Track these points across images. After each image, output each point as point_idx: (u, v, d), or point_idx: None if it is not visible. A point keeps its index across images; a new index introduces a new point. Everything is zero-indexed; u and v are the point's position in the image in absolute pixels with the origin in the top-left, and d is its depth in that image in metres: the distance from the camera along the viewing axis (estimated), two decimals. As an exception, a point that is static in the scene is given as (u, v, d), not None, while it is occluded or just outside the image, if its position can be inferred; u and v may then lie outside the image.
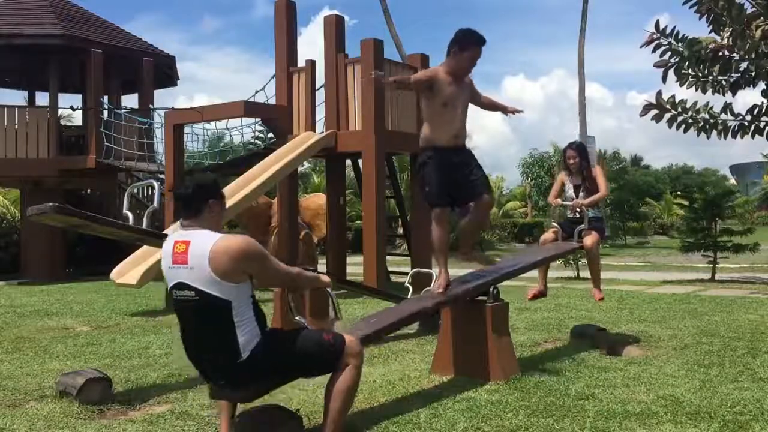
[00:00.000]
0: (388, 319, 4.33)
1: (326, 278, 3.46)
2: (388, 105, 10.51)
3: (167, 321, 7.52)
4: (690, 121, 7.96)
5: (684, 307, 8.09)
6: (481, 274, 5.06)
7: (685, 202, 16.77)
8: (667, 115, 7.82)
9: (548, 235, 6.23)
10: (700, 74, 7.64)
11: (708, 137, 8.09)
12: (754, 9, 7.37)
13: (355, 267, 11.89)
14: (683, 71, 7.57)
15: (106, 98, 14.50)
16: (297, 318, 3.41)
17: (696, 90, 7.69)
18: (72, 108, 14.82)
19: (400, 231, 15.56)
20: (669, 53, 7.47)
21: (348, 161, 12.80)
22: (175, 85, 17.03)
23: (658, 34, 7.40)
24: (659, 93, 7.68)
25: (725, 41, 7.52)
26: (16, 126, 13.67)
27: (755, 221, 36.40)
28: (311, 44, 70.04)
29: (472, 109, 4.91)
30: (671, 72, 7.55)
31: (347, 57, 10.71)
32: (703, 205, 12.46)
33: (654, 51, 7.49)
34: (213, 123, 13.78)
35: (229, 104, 11.00)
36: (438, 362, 4.83)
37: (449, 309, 4.80)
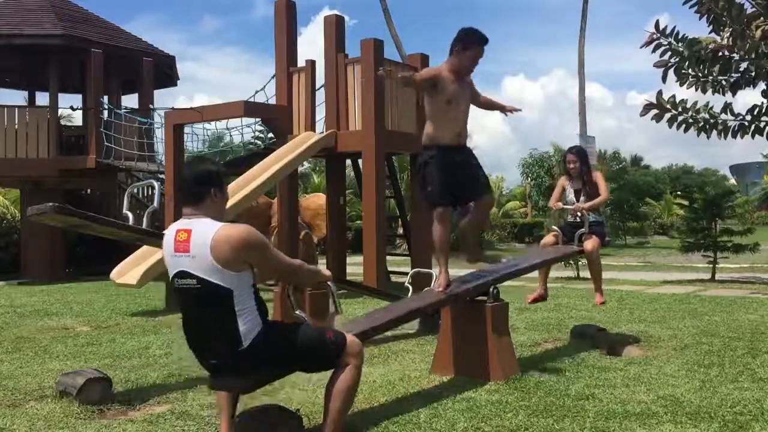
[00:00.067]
0: (387, 316, 4.34)
1: (327, 272, 3.48)
2: (388, 105, 10.51)
3: (167, 321, 7.53)
4: (690, 121, 7.97)
5: (684, 307, 8.09)
6: (481, 274, 5.06)
7: (685, 202, 16.78)
8: (668, 115, 7.83)
9: (549, 238, 6.25)
10: (700, 74, 7.64)
11: (708, 137, 8.10)
12: (754, 9, 7.37)
13: (355, 267, 11.89)
14: (683, 71, 7.58)
15: (106, 98, 14.50)
16: (297, 312, 3.41)
17: (696, 90, 7.70)
18: (72, 108, 14.83)
19: (400, 231, 15.56)
20: (669, 53, 7.48)
21: (348, 161, 12.80)
22: (175, 85, 17.05)
23: (658, 34, 7.40)
24: (659, 93, 7.69)
25: (725, 41, 7.52)
26: (16, 126, 13.67)
27: (755, 221, 36.39)
28: (311, 44, 70.09)
29: (473, 109, 4.92)
30: (671, 72, 7.56)
31: (347, 57, 10.70)
32: (703, 205, 12.46)
33: (654, 51, 7.50)
34: (213, 123, 13.79)
35: (229, 104, 11.00)
36: (438, 362, 4.83)
37: (449, 309, 4.80)
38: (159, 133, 14.04)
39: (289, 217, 11.19)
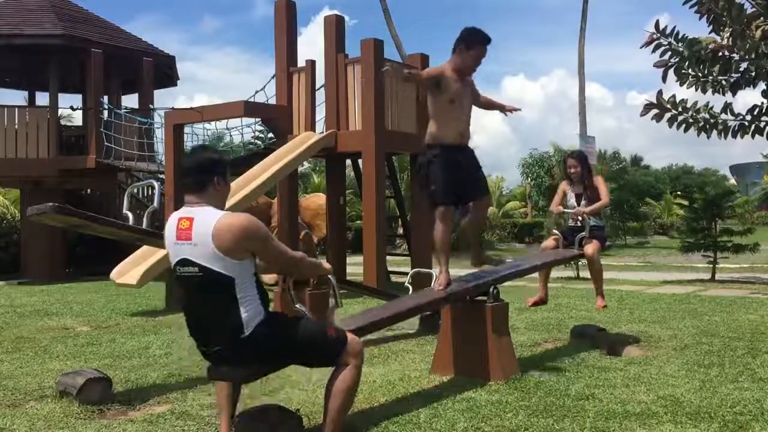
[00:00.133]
0: (386, 312, 4.37)
1: (328, 265, 3.49)
2: (388, 105, 10.51)
3: (168, 321, 7.53)
4: (690, 120, 7.97)
5: (684, 307, 8.09)
6: (481, 275, 5.07)
7: (685, 202, 16.78)
8: (668, 115, 7.83)
9: (549, 242, 6.28)
10: (700, 74, 7.64)
11: (708, 137, 8.10)
12: (754, 9, 7.37)
13: (355, 267, 11.88)
14: (683, 71, 7.58)
15: (106, 98, 14.49)
16: (297, 306, 3.41)
17: (696, 90, 7.70)
18: (72, 108, 14.82)
19: (400, 231, 15.55)
20: (669, 53, 7.48)
21: (348, 161, 12.80)
22: (175, 85, 17.04)
23: (658, 34, 7.40)
24: (660, 93, 7.69)
25: (725, 41, 7.52)
26: (16, 126, 13.66)
27: (755, 221, 36.40)
28: (311, 44, 70.17)
29: (473, 110, 4.93)
30: (671, 72, 7.56)
31: (347, 57, 10.70)
32: (703, 205, 12.46)
33: (654, 51, 7.50)
34: (213, 123, 13.80)
35: (229, 104, 11.00)
36: (438, 362, 4.83)
37: (449, 309, 4.81)
38: (159, 133, 14.05)
39: (289, 217, 11.19)
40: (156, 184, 6.35)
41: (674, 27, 7.40)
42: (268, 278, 6.25)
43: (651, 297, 9.21)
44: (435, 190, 4.64)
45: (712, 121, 8.05)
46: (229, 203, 4.77)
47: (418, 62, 10.99)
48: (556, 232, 6.32)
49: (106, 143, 13.32)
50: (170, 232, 3.07)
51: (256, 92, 12.15)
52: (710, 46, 7.52)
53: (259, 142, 16.46)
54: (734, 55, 7.61)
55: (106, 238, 4.95)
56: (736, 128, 8.10)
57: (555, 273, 11.84)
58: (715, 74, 7.67)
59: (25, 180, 13.86)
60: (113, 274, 7.89)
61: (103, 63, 13.72)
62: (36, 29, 13.73)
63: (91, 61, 13.60)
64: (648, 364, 4.99)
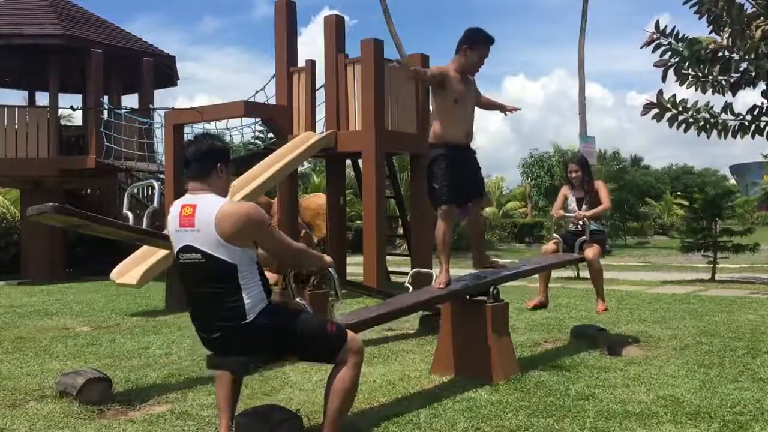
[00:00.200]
0: (388, 308, 4.40)
1: (329, 258, 3.49)
2: (388, 105, 10.51)
3: (167, 321, 7.53)
4: (690, 120, 7.97)
5: (684, 307, 8.09)
6: (481, 275, 5.07)
7: (685, 202, 16.76)
8: (668, 115, 7.83)
9: (549, 246, 6.31)
10: (700, 74, 7.65)
11: (708, 137, 8.11)
12: (754, 9, 7.38)
13: (355, 267, 11.89)
14: (683, 71, 7.58)
15: (106, 98, 14.50)
16: (297, 300, 3.41)
17: (696, 90, 7.71)
18: (72, 108, 14.80)
19: (400, 231, 15.56)
20: (669, 53, 7.48)
21: (348, 161, 12.80)
22: (175, 85, 17.03)
23: (658, 34, 7.40)
24: (660, 92, 7.69)
25: (725, 41, 7.53)
26: (16, 126, 13.67)
27: (755, 221, 36.40)
28: (311, 44, 70.25)
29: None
30: (671, 72, 7.56)
31: (347, 57, 10.70)
32: (703, 205, 12.46)
33: (654, 51, 7.50)
34: (213, 123, 13.77)
35: (229, 104, 11.00)
36: (438, 362, 4.83)
37: (449, 309, 4.81)
38: (159, 133, 14.06)
39: (289, 217, 11.18)
40: (156, 184, 6.36)
41: (674, 27, 7.41)
42: (269, 278, 6.24)
43: (651, 297, 9.21)
44: (439, 189, 4.66)
45: (712, 121, 8.05)
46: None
47: (418, 62, 10.98)
48: (556, 236, 6.35)
49: (106, 143, 13.32)
50: (173, 219, 3.09)
51: (256, 92, 12.17)
52: (710, 46, 7.53)
53: (259, 142, 16.48)
54: (734, 55, 7.62)
55: (106, 238, 4.95)
56: (736, 128, 8.10)
57: (555, 273, 11.84)
58: (715, 74, 7.67)
59: (25, 180, 13.87)
60: (113, 274, 7.88)
61: (103, 63, 13.72)
62: (36, 29, 13.74)
63: (91, 61, 13.60)
64: (648, 364, 4.99)
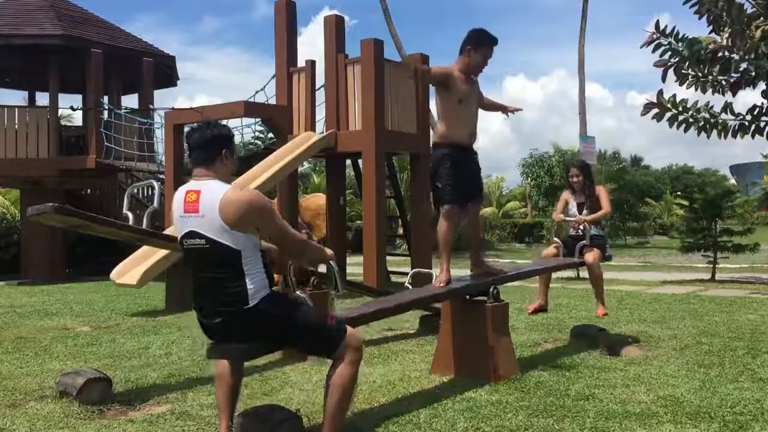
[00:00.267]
0: (389, 303, 4.43)
1: (330, 251, 3.49)
2: (388, 105, 10.51)
3: (167, 321, 7.53)
4: (690, 120, 7.96)
5: (684, 307, 8.09)
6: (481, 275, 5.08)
7: (685, 202, 16.75)
8: (668, 115, 7.82)
9: (550, 250, 6.33)
10: (700, 74, 7.64)
11: (708, 137, 8.10)
12: (754, 9, 7.37)
13: (355, 267, 11.89)
14: (683, 71, 7.57)
15: (106, 98, 14.49)
16: (298, 293, 3.41)
17: (696, 90, 7.70)
18: (72, 108, 14.81)
19: (400, 231, 15.55)
20: (669, 53, 7.47)
21: (348, 161, 12.80)
22: (175, 85, 17.02)
23: (658, 34, 7.39)
24: (660, 92, 7.68)
25: (725, 41, 7.52)
26: (16, 126, 13.66)
27: (755, 221, 36.39)
28: (311, 44, 70.29)
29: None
30: (671, 72, 7.55)
31: (347, 57, 10.70)
32: (703, 205, 12.45)
33: (654, 51, 7.49)
34: (213, 123, 13.76)
35: (229, 104, 11.00)
36: (438, 362, 4.83)
37: (449, 309, 4.81)
38: (159, 133, 14.05)
39: (289, 217, 11.17)
40: (156, 184, 6.37)
41: (674, 27, 7.39)
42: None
43: (651, 297, 9.21)
44: (443, 188, 4.69)
45: (712, 121, 8.04)
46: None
47: (419, 62, 10.98)
48: (557, 240, 6.38)
49: (106, 143, 13.31)
50: (177, 206, 3.11)
51: (256, 92, 12.18)
52: (710, 46, 7.51)
53: (259, 142, 16.47)
54: (734, 55, 7.61)
55: (106, 238, 4.94)
56: (736, 128, 8.09)
57: (556, 273, 11.85)
58: (715, 74, 7.66)
59: (25, 180, 13.86)
60: (113, 274, 7.88)
61: (103, 63, 13.71)
62: (36, 29, 13.73)
63: (91, 61, 13.59)
64: (648, 364, 4.99)
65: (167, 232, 7.21)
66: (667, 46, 7.45)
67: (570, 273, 12.82)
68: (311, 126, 10.95)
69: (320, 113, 10.97)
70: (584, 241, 6.05)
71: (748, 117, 8.04)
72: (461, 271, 5.62)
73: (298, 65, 11.22)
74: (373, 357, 5.30)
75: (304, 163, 18.64)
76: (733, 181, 60.52)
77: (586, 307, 7.94)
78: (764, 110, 8.01)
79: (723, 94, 7.82)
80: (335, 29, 10.75)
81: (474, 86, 4.81)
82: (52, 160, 13.61)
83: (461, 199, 4.75)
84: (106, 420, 3.83)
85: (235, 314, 3.03)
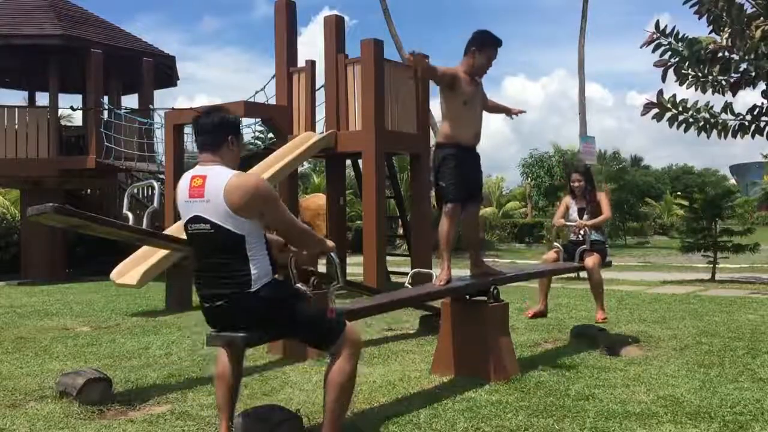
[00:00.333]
0: (389, 298, 4.47)
1: (331, 243, 3.50)
2: (388, 105, 10.51)
3: (167, 321, 7.53)
4: (690, 120, 7.96)
5: (684, 307, 8.09)
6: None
7: (685, 202, 16.77)
8: (668, 115, 7.82)
9: (550, 254, 6.35)
10: (700, 74, 7.64)
11: (708, 137, 8.11)
12: (754, 9, 7.37)
13: (355, 267, 11.89)
14: (683, 71, 7.58)
15: (106, 98, 14.49)
16: (299, 285, 3.41)
17: (696, 90, 7.70)
18: (72, 108, 14.82)
19: (400, 231, 15.55)
20: (669, 53, 7.47)
21: (348, 161, 12.80)
22: (175, 85, 17.02)
23: (658, 34, 7.39)
24: (660, 92, 7.68)
25: (725, 41, 7.52)
26: (16, 126, 13.65)
27: (755, 221, 36.39)
28: (311, 44, 70.28)
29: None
30: (671, 72, 7.55)
31: (347, 57, 10.70)
32: (703, 205, 12.46)
33: (654, 51, 7.49)
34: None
35: (229, 104, 10.97)
36: (438, 362, 4.83)
37: (449, 309, 4.81)
38: (159, 133, 14.05)
39: (290, 217, 11.18)
40: (156, 185, 6.36)
41: (674, 27, 7.39)
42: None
43: (651, 297, 9.21)
44: (447, 188, 4.71)
45: (712, 121, 8.05)
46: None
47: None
48: (557, 244, 6.39)
49: (106, 143, 13.31)
50: (182, 190, 3.12)
51: (256, 92, 12.18)
52: (710, 46, 7.52)
53: (259, 142, 16.48)
54: (734, 55, 7.61)
55: (106, 238, 4.94)
56: (736, 128, 8.10)
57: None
58: (715, 74, 7.67)
59: (25, 180, 13.85)
60: (113, 274, 7.89)
61: (103, 63, 13.71)
62: (35, 29, 13.73)
63: (91, 61, 13.59)
64: (648, 364, 4.99)
65: (167, 232, 7.21)
66: (667, 46, 7.46)
67: (570, 273, 12.81)
68: (311, 126, 10.95)
69: (320, 113, 10.99)
70: (584, 246, 6.06)
71: (748, 117, 8.04)
72: (461, 271, 5.62)
73: (298, 65, 11.22)
74: (373, 357, 5.29)
75: (304, 163, 18.65)
76: (733, 181, 60.52)
77: (586, 307, 7.94)
78: (764, 110, 8.02)
79: (723, 94, 7.82)
80: (335, 29, 10.74)
81: (478, 88, 4.83)
82: (52, 160, 13.61)
83: (463, 198, 4.77)
84: (106, 420, 3.83)
85: (237, 298, 3.04)
